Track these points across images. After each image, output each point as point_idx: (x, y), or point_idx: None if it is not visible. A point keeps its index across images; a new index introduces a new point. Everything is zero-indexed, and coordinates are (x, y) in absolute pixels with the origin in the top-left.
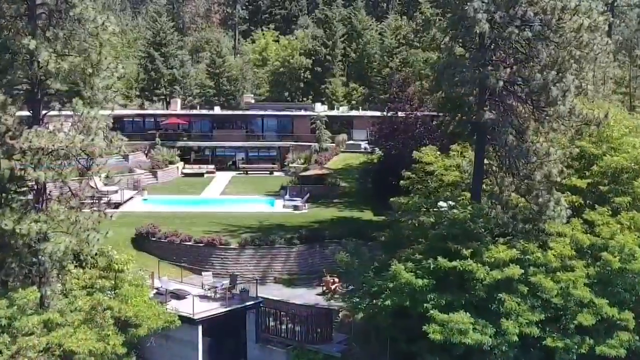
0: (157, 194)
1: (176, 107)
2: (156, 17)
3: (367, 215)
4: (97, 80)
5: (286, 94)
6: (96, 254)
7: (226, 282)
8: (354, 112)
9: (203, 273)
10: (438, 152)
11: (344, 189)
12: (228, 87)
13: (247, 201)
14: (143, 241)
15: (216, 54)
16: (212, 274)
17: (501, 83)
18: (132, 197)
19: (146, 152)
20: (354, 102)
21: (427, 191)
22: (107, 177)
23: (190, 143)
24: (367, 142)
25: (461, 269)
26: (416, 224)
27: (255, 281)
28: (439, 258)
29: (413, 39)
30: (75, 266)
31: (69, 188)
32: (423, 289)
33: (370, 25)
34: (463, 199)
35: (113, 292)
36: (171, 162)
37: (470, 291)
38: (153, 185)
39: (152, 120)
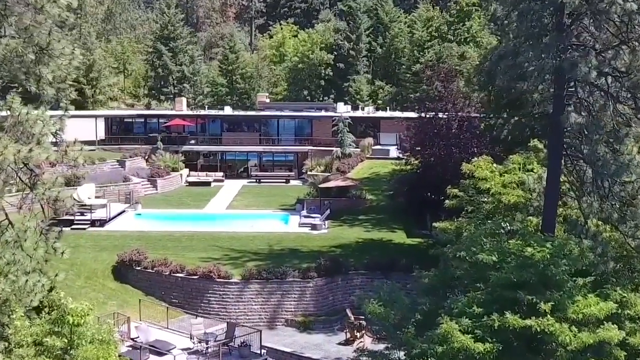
0: (154, 207)
1: (181, 106)
2: (164, 8)
3: (400, 236)
4: (45, 71)
5: (305, 92)
6: (40, 305)
7: (221, 327)
8: (381, 113)
9: (192, 321)
10: (494, 165)
11: (371, 203)
12: (242, 86)
13: (256, 217)
14: (126, 271)
15: (229, 49)
16: (208, 317)
17: (594, 73)
18: (123, 212)
19: (146, 157)
20: (380, 102)
21: (480, 214)
22: (56, 200)
23: (197, 147)
24: (396, 147)
25: (539, 329)
26: (469, 259)
27: (259, 331)
28: (507, 314)
29: (447, 31)
30: (25, 313)
31: (6, 215)
32: (485, 356)
33: (399, 17)
34: (528, 224)
35: (67, 352)
36: (174, 169)
37: (548, 357)
38: (152, 196)
39: (156, 121)
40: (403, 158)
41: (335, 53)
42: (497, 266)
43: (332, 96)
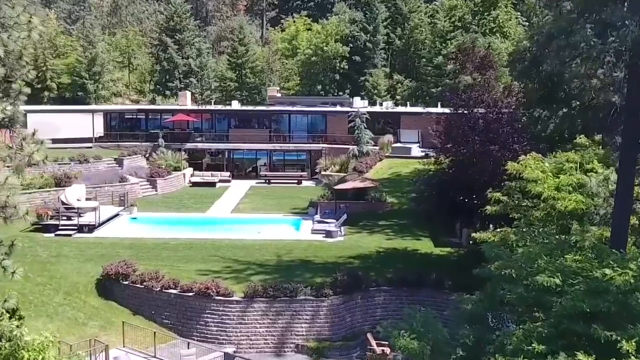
0: (151, 210)
1: (186, 100)
2: None
3: (426, 245)
4: None
5: (319, 87)
6: None
7: (217, 356)
8: (401, 108)
9: (182, 352)
10: (545, 164)
11: (392, 207)
12: (252, 80)
13: (264, 222)
14: (112, 285)
15: (238, 41)
16: (205, 342)
17: None
18: (117, 215)
19: (147, 155)
20: (398, 97)
21: (530, 222)
22: (5, 207)
23: (202, 145)
24: (418, 145)
25: None
26: (525, 282)
27: None
28: (579, 354)
29: (471, 21)
30: None
31: None
32: None
33: (419, 6)
34: (591, 235)
35: None
36: (176, 169)
37: None
38: (150, 197)
39: (158, 117)
40: (432, 156)
41: (351, 45)
42: (558, 289)
43: (347, 91)
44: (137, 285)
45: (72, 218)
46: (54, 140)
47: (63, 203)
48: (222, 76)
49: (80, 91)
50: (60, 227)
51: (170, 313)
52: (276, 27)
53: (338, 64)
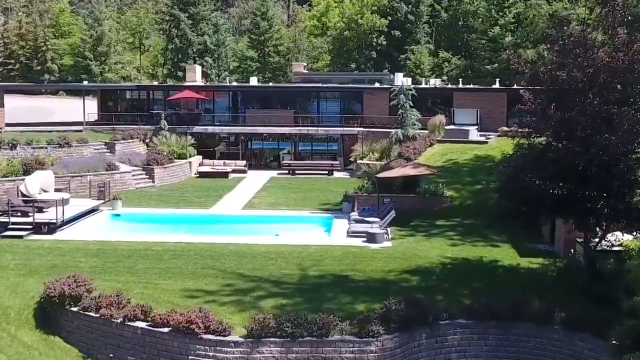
0: (142, 205)
1: (194, 76)
2: None
3: (507, 253)
4: None
5: (353, 66)
6: None
7: None
8: (453, 85)
9: None
10: None
11: (451, 202)
12: (276, 60)
13: (284, 221)
14: (55, 313)
15: (260, 15)
16: None
17: None
18: (93, 211)
19: (147, 140)
20: (445, 77)
21: None
22: None
23: (212, 128)
24: (476, 127)
25: None
26: None
27: None
28: None
29: None
30: None
31: None
32: None
33: None
34: None
35: None
36: (181, 156)
37: None
38: (145, 189)
39: (162, 96)
40: (523, 129)
41: (390, 18)
42: None
43: (385, 71)
44: (91, 314)
45: (29, 214)
46: (46, 124)
47: (23, 195)
48: (243, 56)
49: (83, 73)
50: (9, 227)
51: (137, 357)
52: (303, 6)
53: (375, 40)
